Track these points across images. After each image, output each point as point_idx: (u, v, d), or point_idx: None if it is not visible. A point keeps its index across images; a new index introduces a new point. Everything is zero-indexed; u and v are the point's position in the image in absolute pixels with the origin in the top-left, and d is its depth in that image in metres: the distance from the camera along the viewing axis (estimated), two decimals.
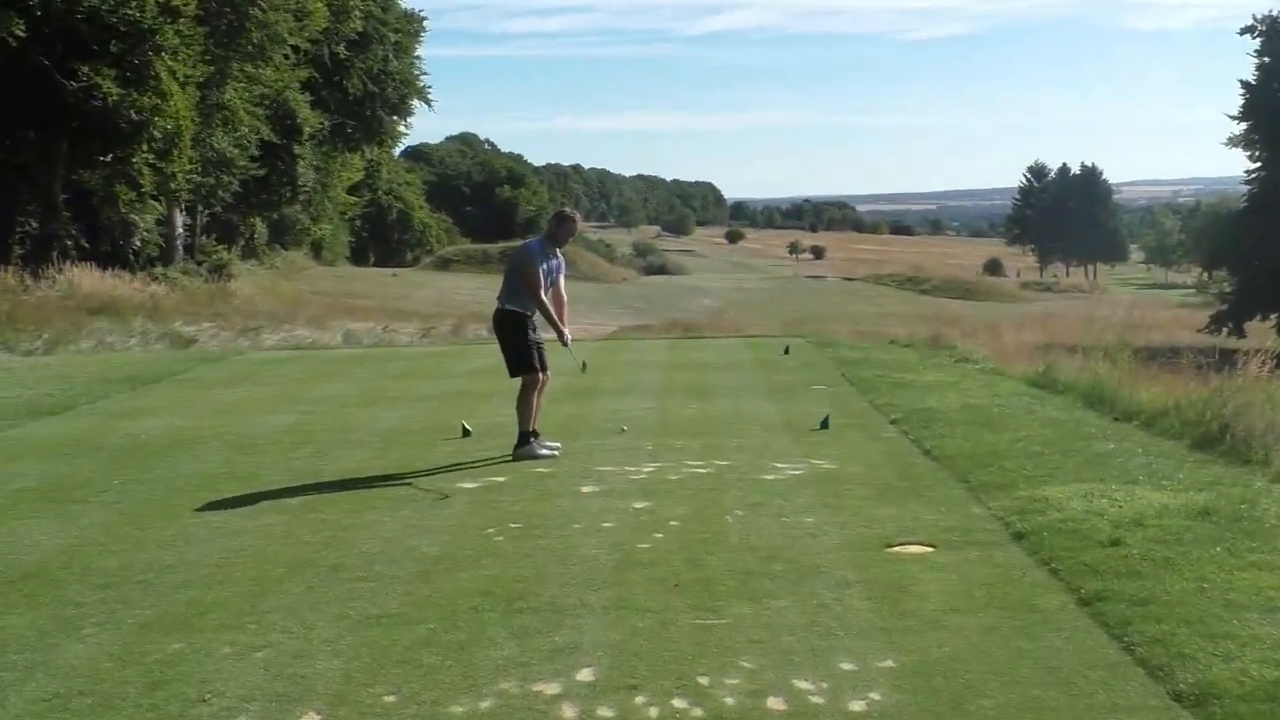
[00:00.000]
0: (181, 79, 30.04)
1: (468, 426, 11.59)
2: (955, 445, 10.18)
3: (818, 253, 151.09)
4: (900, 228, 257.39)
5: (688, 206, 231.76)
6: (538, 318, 10.33)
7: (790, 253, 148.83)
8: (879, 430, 11.41)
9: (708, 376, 16.21)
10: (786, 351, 18.94)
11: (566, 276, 10.72)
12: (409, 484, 9.28)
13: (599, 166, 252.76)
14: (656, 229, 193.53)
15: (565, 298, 10.60)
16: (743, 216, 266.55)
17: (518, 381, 10.47)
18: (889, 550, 7.13)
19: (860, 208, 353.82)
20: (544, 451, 10.24)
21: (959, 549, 7.11)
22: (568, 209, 10.75)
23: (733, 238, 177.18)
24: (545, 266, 10.22)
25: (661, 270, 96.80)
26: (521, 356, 10.29)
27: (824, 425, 11.52)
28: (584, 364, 11.63)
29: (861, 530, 7.57)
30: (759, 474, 9.36)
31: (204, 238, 42.83)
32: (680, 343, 22.32)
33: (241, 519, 8.25)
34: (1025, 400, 13.27)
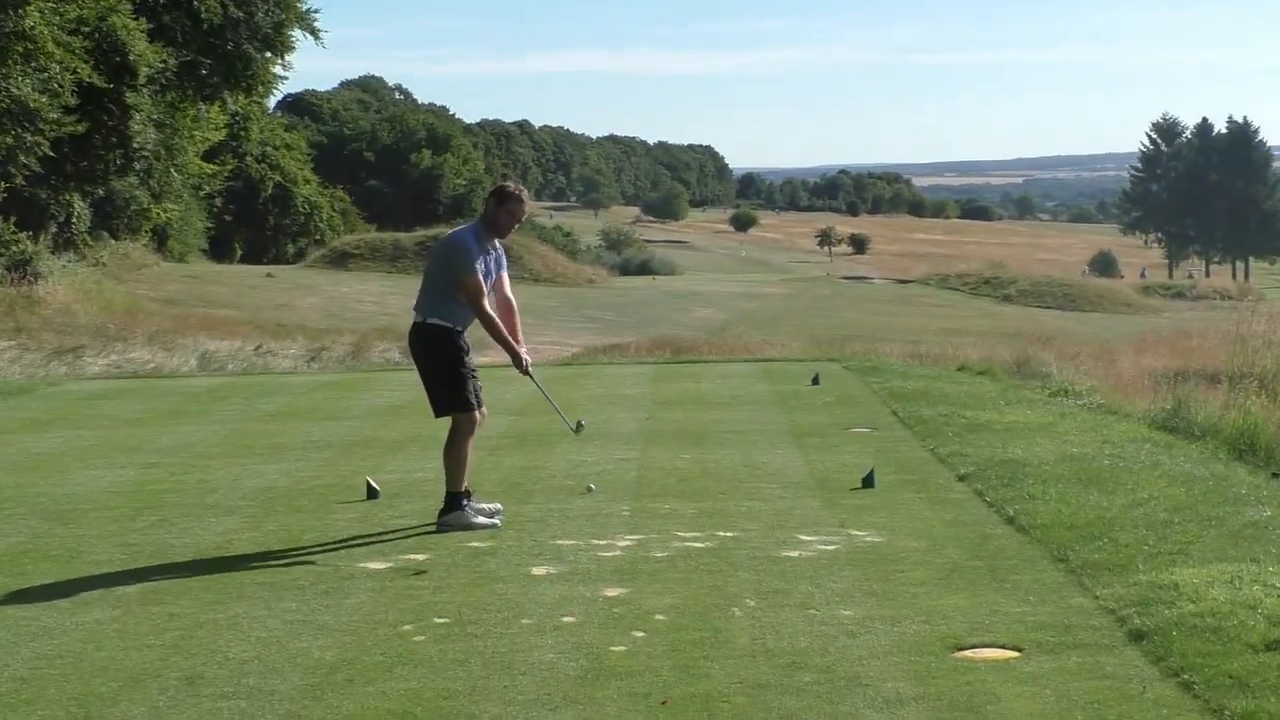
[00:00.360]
0: None
1: (374, 484, 11.64)
2: (1050, 511, 10.26)
3: (859, 245, 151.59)
4: (974, 210, 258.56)
5: (679, 180, 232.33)
6: (477, 334, 10.44)
7: (821, 244, 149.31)
8: (944, 490, 11.49)
9: (707, 415, 16.27)
10: (816, 381, 19.04)
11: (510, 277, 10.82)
12: (294, 565, 9.32)
13: (556, 124, 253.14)
14: (635, 211, 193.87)
15: (514, 303, 10.69)
16: (754, 194, 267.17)
17: (446, 423, 10.52)
18: (957, 656, 7.19)
19: (918, 181, 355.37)
20: (481, 520, 10.29)
21: (1054, 654, 7.18)
22: (511, 184, 10.81)
23: (741, 224, 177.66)
24: (483, 264, 10.29)
25: (643, 269, 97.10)
26: (452, 387, 10.36)
27: (867, 483, 11.59)
28: (579, 424, 11.68)
29: (920, 628, 7.63)
30: (778, 550, 9.43)
31: None
32: (669, 369, 22.39)
33: (57, 614, 8.26)
34: (1148, 449, 13.37)
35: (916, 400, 16.88)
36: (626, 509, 10.84)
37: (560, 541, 9.78)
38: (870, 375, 19.93)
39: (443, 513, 10.29)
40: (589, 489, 11.54)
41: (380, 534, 10.17)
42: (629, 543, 9.72)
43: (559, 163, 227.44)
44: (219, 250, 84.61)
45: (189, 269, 66.13)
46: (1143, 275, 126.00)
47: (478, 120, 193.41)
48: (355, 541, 9.94)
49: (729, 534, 9.92)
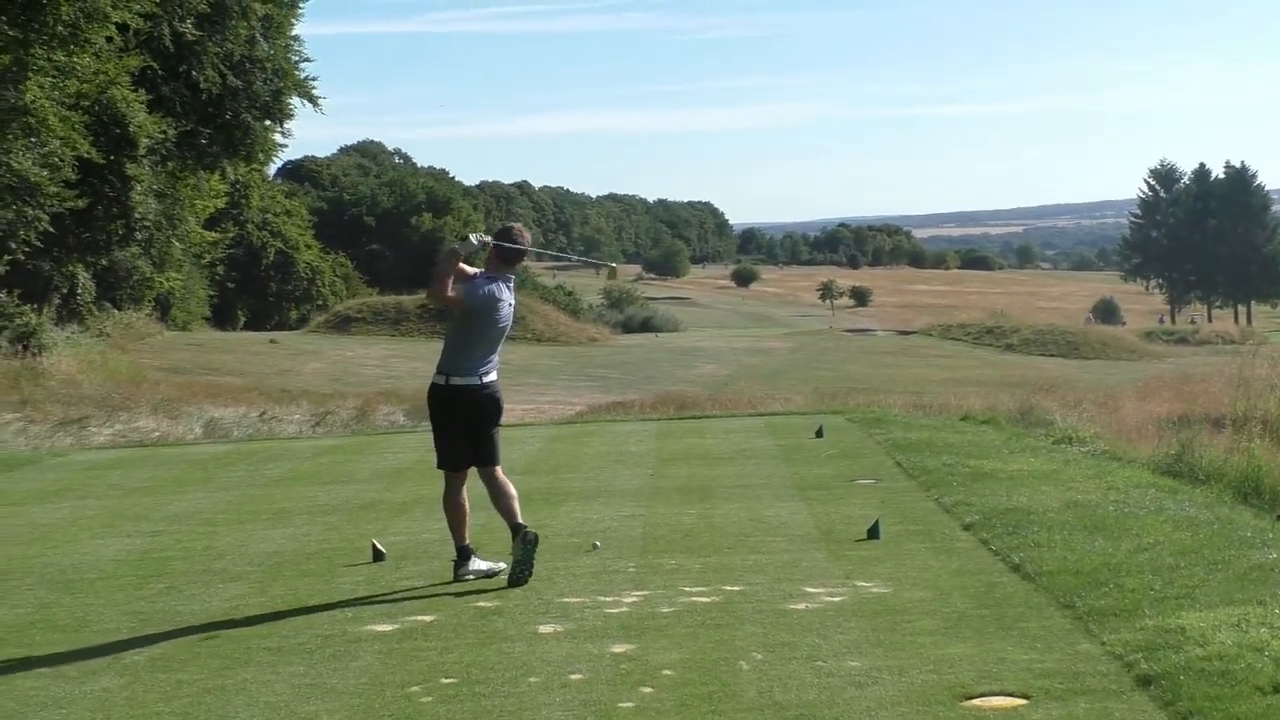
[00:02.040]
0: None
1: (379, 546, 11.64)
2: (1055, 558, 10.27)
3: (860, 297, 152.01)
4: (975, 259, 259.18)
5: (679, 237, 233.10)
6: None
7: (823, 298, 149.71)
8: (949, 540, 11.50)
9: (711, 471, 16.29)
10: (820, 434, 19.07)
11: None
12: (301, 629, 9.32)
13: (555, 184, 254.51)
14: (637, 269, 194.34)
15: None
16: (755, 249, 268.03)
17: (446, 480, 10.68)
18: (966, 704, 7.20)
19: (919, 233, 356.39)
20: (483, 565, 10.66)
21: (1063, 700, 7.18)
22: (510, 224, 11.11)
23: (743, 279, 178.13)
24: (505, 308, 10.64)
25: (645, 326, 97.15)
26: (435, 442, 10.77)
27: (873, 534, 11.61)
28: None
29: (928, 677, 7.63)
30: (784, 603, 9.44)
31: (2, 294, 42.91)
32: (673, 425, 22.42)
33: (65, 684, 8.27)
34: (1153, 495, 13.38)
35: (920, 451, 16.90)
36: (632, 565, 10.85)
37: (567, 599, 9.78)
38: (874, 427, 19.96)
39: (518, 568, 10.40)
40: (595, 546, 11.56)
41: (386, 596, 10.18)
42: (635, 599, 9.73)
43: (559, 222, 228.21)
44: (222, 318, 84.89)
45: (192, 337, 66.28)
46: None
47: (477, 182, 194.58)
48: (362, 604, 9.95)
49: (735, 588, 9.93)
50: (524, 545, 10.27)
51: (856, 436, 19.07)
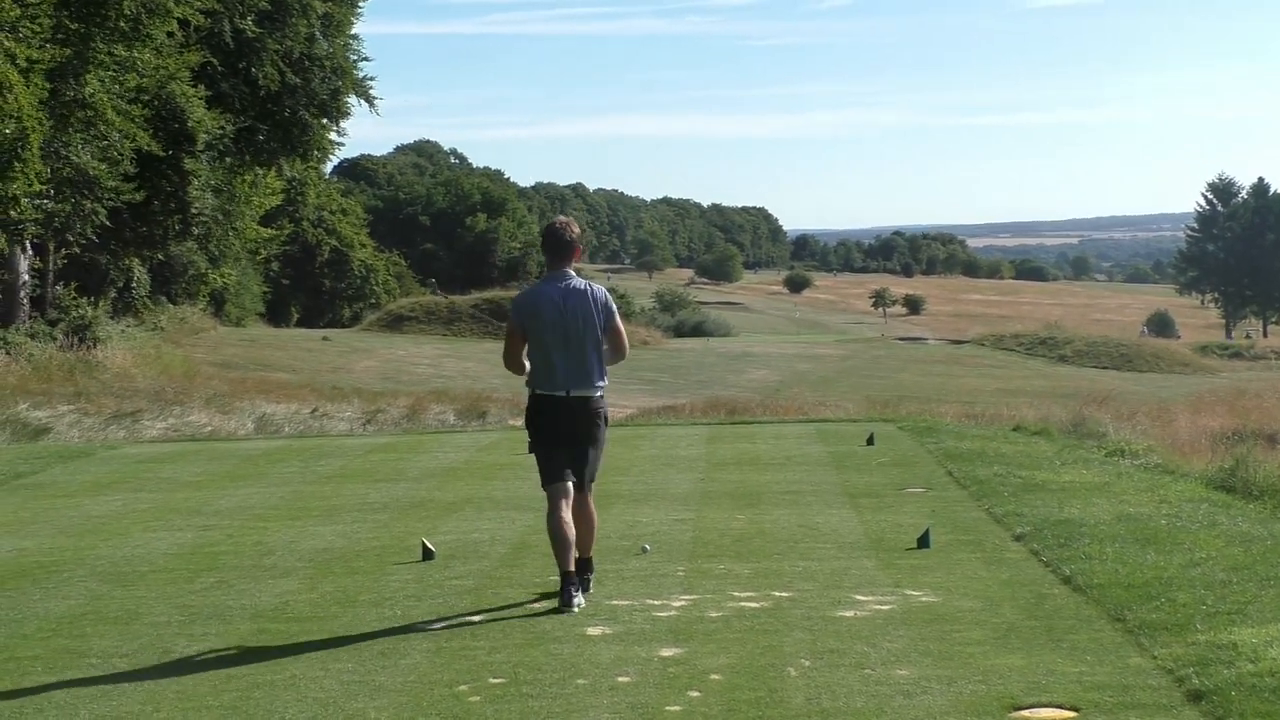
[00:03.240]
0: (24, 64, 30.31)
1: (429, 545, 11.67)
2: (1106, 571, 10.22)
3: (914, 305, 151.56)
4: (1029, 270, 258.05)
5: (733, 242, 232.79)
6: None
7: (875, 305, 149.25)
8: (1000, 550, 11.46)
9: (761, 477, 16.27)
10: (871, 442, 19.01)
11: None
12: (350, 626, 9.36)
13: (610, 188, 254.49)
14: (689, 273, 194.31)
15: (616, 351, 10.33)
16: (809, 255, 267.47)
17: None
18: (1014, 716, 7.17)
19: (973, 242, 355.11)
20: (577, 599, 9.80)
21: (1112, 714, 7.14)
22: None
23: (795, 285, 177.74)
24: (559, 307, 9.91)
25: (697, 330, 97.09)
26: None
27: (923, 543, 11.58)
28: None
29: (976, 688, 7.61)
30: (833, 610, 9.43)
31: (59, 287, 43.27)
32: (723, 430, 22.40)
33: (116, 677, 8.32)
34: (1206, 509, 13.29)
35: (972, 460, 16.84)
36: (682, 569, 10.85)
37: (615, 602, 9.78)
38: (925, 436, 19.88)
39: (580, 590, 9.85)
40: (644, 549, 11.56)
41: (435, 594, 10.20)
42: (684, 603, 9.72)
43: (613, 225, 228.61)
44: (276, 314, 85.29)
45: (246, 333, 66.63)
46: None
47: (532, 184, 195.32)
48: (411, 602, 9.98)
49: (784, 594, 9.91)
50: (567, 588, 9.70)
51: (908, 445, 19.01)
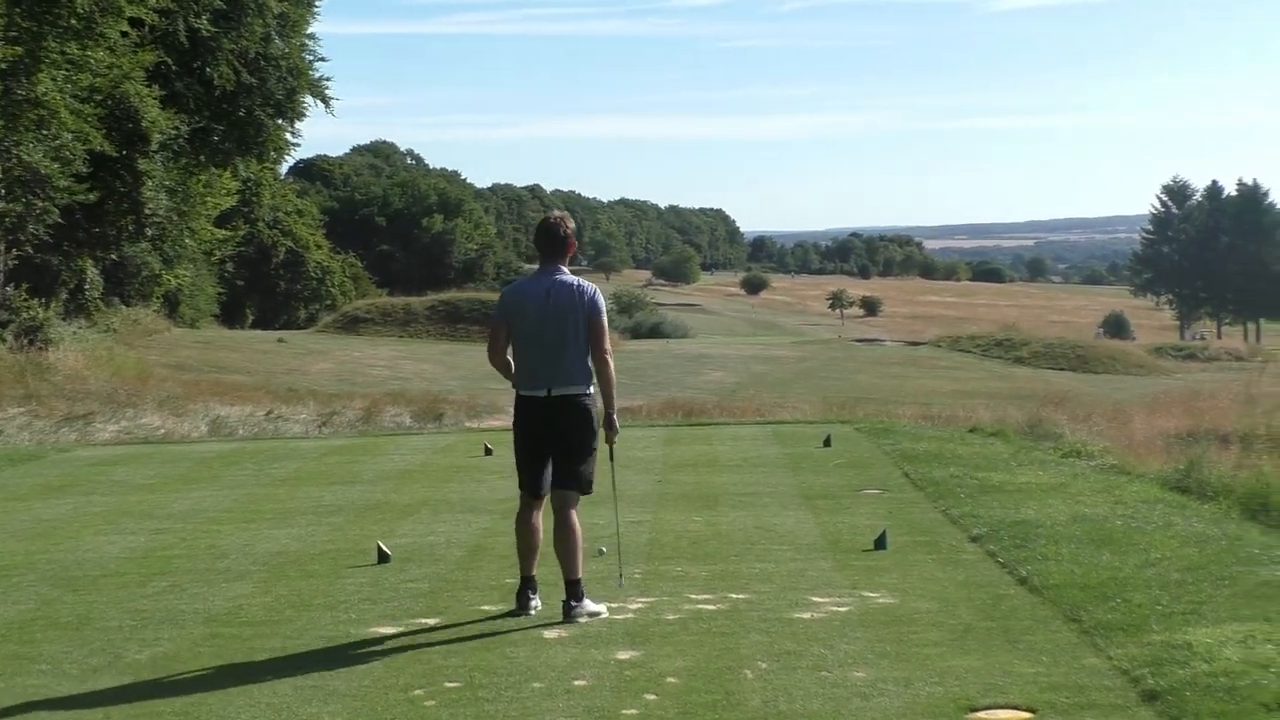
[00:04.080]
0: None
1: (385, 548, 11.63)
2: (1062, 571, 10.25)
3: (871, 307, 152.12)
4: (986, 272, 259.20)
5: (690, 244, 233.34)
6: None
7: (832, 307, 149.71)
8: (956, 551, 11.49)
9: (718, 478, 16.28)
10: (828, 443, 19.06)
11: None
12: (304, 630, 9.32)
13: (568, 189, 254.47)
14: (647, 275, 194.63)
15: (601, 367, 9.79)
16: (766, 257, 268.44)
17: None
18: (971, 717, 7.18)
19: (930, 244, 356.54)
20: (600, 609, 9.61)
21: (1068, 715, 7.16)
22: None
23: (753, 287, 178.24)
24: (545, 303, 9.63)
25: (654, 332, 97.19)
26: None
27: (880, 544, 11.60)
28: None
29: (933, 689, 7.62)
30: (790, 611, 9.43)
31: (10, 288, 42.94)
32: (680, 432, 22.41)
33: (67, 682, 8.26)
34: (1161, 509, 13.35)
35: (928, 462, 16.89)
36: (638, 572, 10.84)
37: (572, 603, 9.76)
38: (882, 437, 19.94)
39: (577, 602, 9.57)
40: (600, 552, 11.52)
41: (391, 598, 10.17)
42: (641, 605, 9.71)
43: None
44: (230, 316, 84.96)
45: (200, 335, 66.32)
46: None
47: (489, 184, 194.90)
48: (366, 606, 9.94)
49: (741, 596, 9.91)
50: (525, 592, 9.68)
51: (864, 446, 19.06)
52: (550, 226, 9.86)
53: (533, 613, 9.56)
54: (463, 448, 20.29)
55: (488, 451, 19.01)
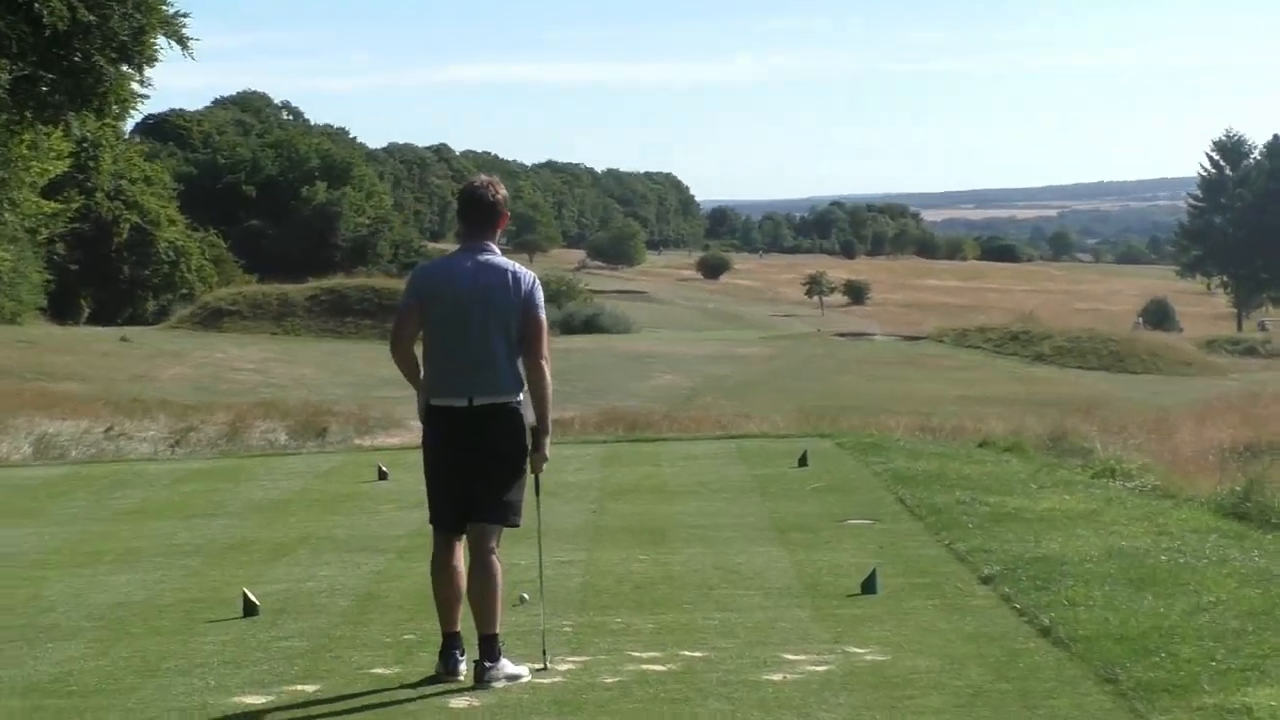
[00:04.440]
0: None
1: (252, 597, 11.55)
2: (1094, 619, 10.26)
3: (857, 294, 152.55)
4: (998, 249, 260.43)
5: (634, 217, 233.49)
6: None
7: (810, 293, 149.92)
8: (963, 595, 11.51)
9: (668, 507, 16.27)
10: (804, 462, 19.09)
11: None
12: (151, 701, 9.23)
13: (482, 149, 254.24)
14: (580, 255, 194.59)
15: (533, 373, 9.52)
16: (728, 232, 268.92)
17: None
18: None
19: (929, 215, 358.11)
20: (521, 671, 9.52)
21: None
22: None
23: (711, 269, 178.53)
24: (468, 286, 9.43)
25: (589, 326, 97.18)
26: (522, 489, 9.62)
27: (868, 588, 11.59)
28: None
29: None
30: (757, 673, 9.41)
31: None
32: (621, 450, 22.41)
33: None
34: (1214, 541, 13.41)
35: (928, 485, 16.92)
36: (569, 624, 10.80)
37: (486, 665, 9.71)
38: (871, 454, 19.98)
39: (489, 662, 9.42)
40: (521, 599, 11.48)
41: (260, 659, 10.09)
42: (572, 666, 9.68)
43: None
44: (61, 309, 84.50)
45: (23, 332, 66.00)
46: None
47: (384, 145, 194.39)
48: (229, 669, 9.86)
49: (697, 654, 9.89)
50: (450, 653, 9.51)
51: (849, 466, 19.10)
52: (476, 193, 9.66)
53: (461, 676, 9.40)
54: (351, 471, 20.23)
55: (382, 475, 18.97)
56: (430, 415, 9.48)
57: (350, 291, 78.80)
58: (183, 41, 54.17)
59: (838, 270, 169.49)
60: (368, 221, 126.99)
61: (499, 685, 9.24)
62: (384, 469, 19.17)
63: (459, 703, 8.95)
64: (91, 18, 50.44)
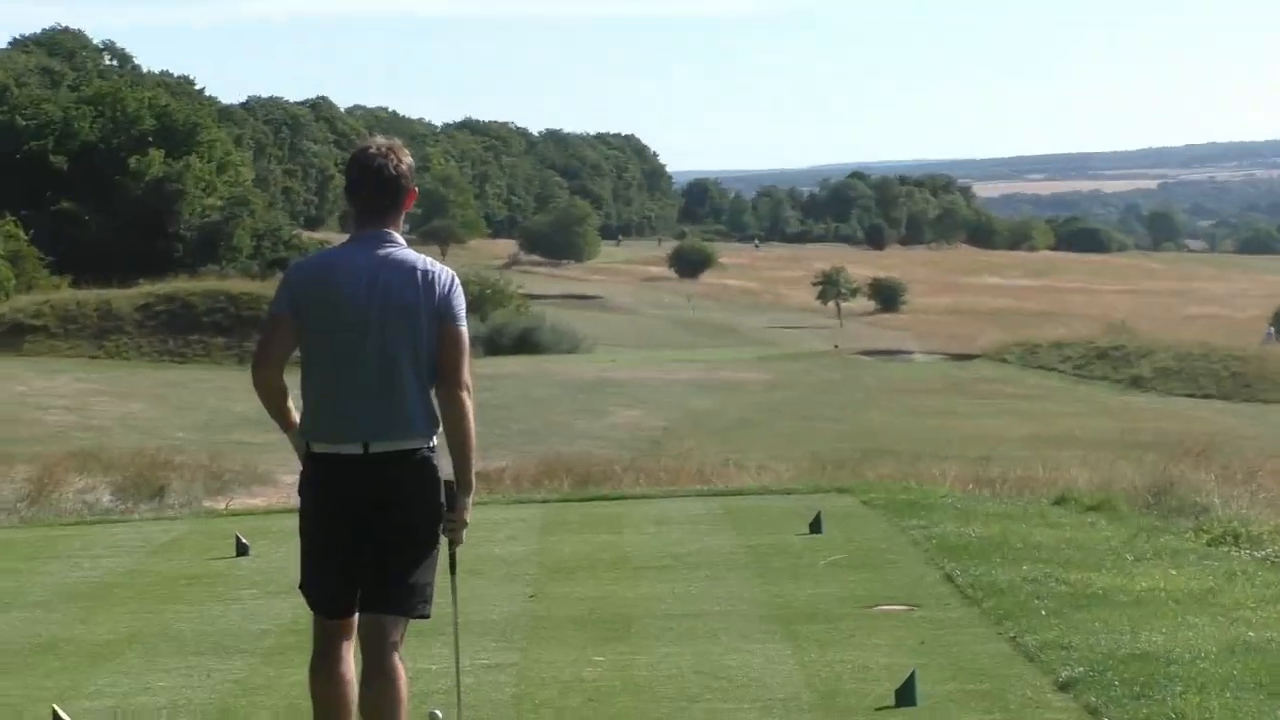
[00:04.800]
0: None
1: (63, 716, 11.55)
2: None
3: (887, 296, 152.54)
4: (1077, 234, 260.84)
5: (583, 194, 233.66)
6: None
7: (823, 297, 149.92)
8: (1034, 706, 11.53)
9: (633, 589, 16.31)
10: (817, 527, 19.10)
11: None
12: None
13: (375, 105, 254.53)
14: (511, 247, 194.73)
15: (452, 396, 9.33)
16: (710, 214, 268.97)
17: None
18: None
19: (984, 189, 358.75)
20: None
21: None
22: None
23: (689, 264, 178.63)
24: (363, 289, 9.25)
25: (523, 343, 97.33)
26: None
27: (906, 697, 11.59)
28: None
29: None
30: None
31: None
32: (569, 511, 22.47)
33: None
34: None
35: (986, 557, 16.93)
36: None
37: None
38: (908, 516, 20.01)
39: None
40: (433, 717, 11.47)
41: None
42: None
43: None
44: None
45: None
46: None
47: (243, 100, 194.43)
48: None
49: None
50: None
51: (879, 532, 19.14)
52: (372, 163, 9.36)
53: None
54: (199, 544, 20.22)
55: (242, 549, 18.94)
56: (310, 465, 9.31)
57: (196, 299, 78.77)
58: None
59: (860, 265, 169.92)
60: (220, 203, 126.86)
61: None
62: (244, 540, 19.14)
63: None
64: None
